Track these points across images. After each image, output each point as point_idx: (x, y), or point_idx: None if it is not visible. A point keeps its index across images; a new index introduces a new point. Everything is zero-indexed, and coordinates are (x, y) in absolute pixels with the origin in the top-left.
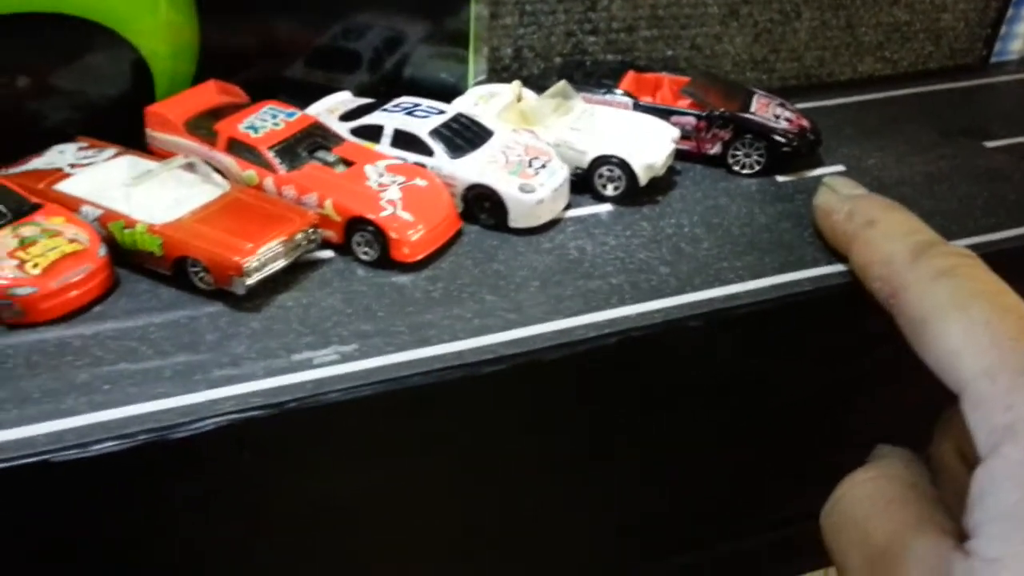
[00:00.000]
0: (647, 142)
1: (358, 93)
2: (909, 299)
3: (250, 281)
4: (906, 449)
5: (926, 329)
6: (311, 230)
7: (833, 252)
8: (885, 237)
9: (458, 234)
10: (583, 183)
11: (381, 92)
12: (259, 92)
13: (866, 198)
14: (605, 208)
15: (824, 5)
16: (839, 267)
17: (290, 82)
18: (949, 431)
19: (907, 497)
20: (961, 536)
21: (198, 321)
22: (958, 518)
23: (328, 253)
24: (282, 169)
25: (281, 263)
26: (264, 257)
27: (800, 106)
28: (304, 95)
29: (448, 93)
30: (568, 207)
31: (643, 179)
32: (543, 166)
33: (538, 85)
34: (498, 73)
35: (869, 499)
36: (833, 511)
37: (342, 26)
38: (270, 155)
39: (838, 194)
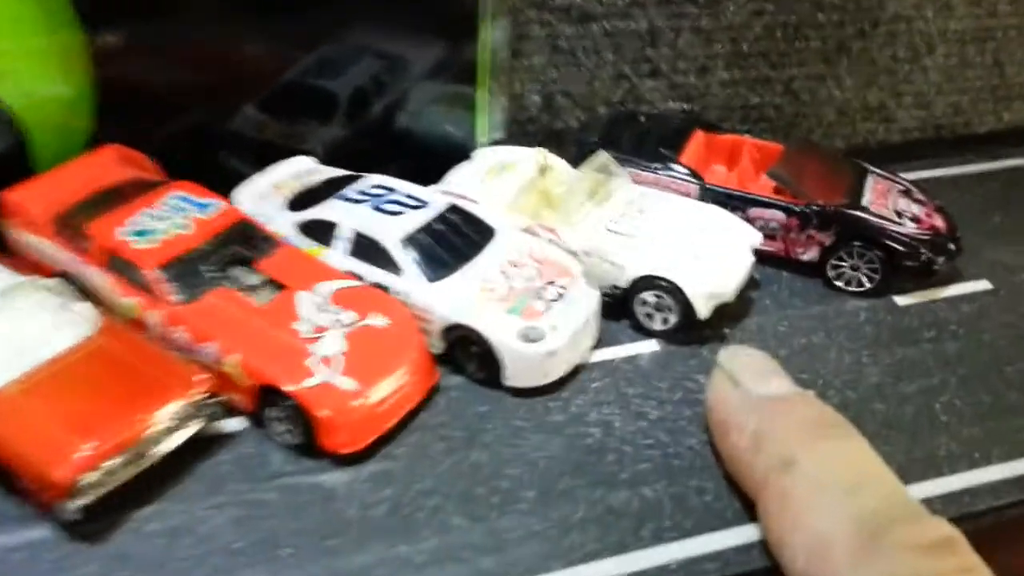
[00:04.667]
0: (714, 256)
1: (329, 154)
2: None
3: (82, 504)
4: None
5: None
6: (203, 400)
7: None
8: (811, 495)
9: (432, 391)
10: (621, 306)
11: (362, 151)
12: (188, 153)
13: (782, 407)
14: (649, 348)
15: (965, 38)
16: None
17: (236, 139)
18: None
19: None
20: None
21: (10, 557)
22: None
23: (237, 424)
24: (176, 299)
25: (145, 461)
26: (114, 461)
27: (927, 175)
28: (255, 157)
29: (454, 153)
30: (597, 343)
31: (703, 312)
32: (559, 296)
33: (577, 140)
34: (521, 126)
35: None
36: None
37: (315, 57)
38: (158, 277)
39: (739, 387)
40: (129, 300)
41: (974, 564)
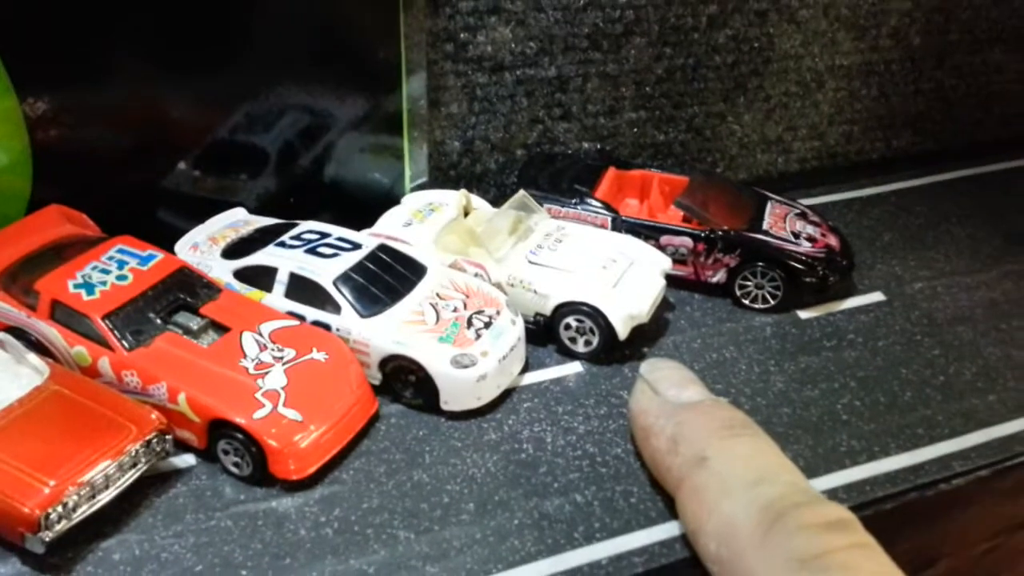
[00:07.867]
0: (629, 280)
1: (261, 205)
2: None
3: (51, 536)
4: None
5: None
6: (155, 438)
7: None
8: (722, 487)
9: (373, 419)
10: (547, 331)
11: (295, 202)
12: (127, 211)
13: (696, 411)
14: (574, 369)
15: (852, 73)
16: (893, 462)
17: (170, 195)
18: None
19: None
20: None
21: None
22: None
23: (189, 459)
24: (123, 345)
25: (105, 496)
26: (77, 496)
27: (824, 200)
28: (189, 212)
29: (382, 200)
30: (525, 368)
31: (623, 332)
32: (487, 325)
33: (497, 182)
34: (444, 172)
35: None
36: None
37: (243, 113)
38: (105, 326)
39: (658, 396)
40: (80, 349)
41: (867, 541)
